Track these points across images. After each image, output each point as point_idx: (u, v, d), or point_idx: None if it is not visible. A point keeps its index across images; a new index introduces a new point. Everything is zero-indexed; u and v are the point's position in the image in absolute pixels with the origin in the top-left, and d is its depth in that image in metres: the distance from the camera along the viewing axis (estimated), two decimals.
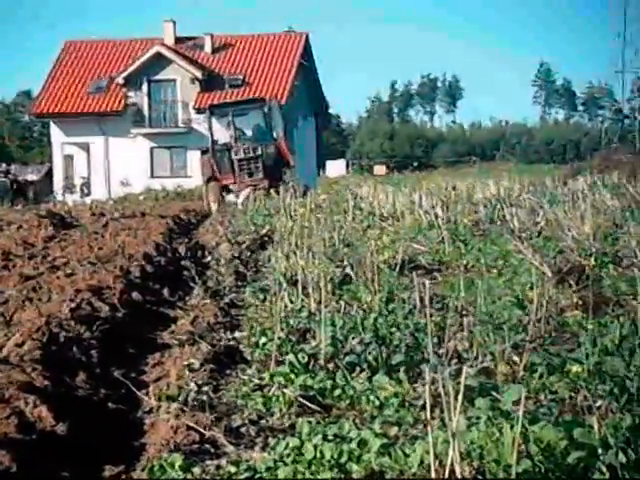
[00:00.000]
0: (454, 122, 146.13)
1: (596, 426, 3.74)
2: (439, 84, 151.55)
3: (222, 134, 26.75)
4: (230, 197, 25.59)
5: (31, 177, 50.63)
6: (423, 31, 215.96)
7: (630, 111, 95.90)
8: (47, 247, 12.23)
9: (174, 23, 51.18)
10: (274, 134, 26.63)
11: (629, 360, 4.64)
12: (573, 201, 13.51)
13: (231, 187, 25.58)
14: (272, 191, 20.30)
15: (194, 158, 41.11)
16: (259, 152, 25.48)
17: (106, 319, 7.02)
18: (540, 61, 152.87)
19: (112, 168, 47.94)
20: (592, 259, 8.54)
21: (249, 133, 26.57)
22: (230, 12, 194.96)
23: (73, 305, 7.14)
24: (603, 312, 6.53)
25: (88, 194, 46.10)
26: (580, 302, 6.77)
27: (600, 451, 3.63)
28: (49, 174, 50.20)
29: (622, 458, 3.60)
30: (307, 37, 51.41)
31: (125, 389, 5.38)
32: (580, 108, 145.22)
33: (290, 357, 5.55)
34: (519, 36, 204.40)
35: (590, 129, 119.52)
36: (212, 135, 26.43)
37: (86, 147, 48.29)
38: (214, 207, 24.16)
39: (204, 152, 26.75)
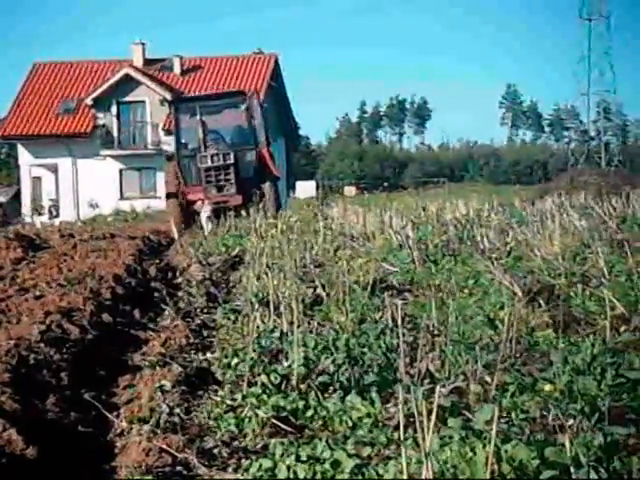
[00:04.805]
0: (423, 143, 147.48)
1: (568, 445, 3.76)
2: (407, 105, 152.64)
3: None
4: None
5: None
6: (392, 53, 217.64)
7: (595, 132, 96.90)
8: (16, 269, 12.10)
9: (143, 45, 51.28)
10: (257, 138, 21.16)
11: (600, 379, 4.67)
12: (542, 221, 13.60)
13: (197, 205, 20.23)
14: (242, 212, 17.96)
15: (163, 180, 41.12)
16: (231, 160, 20.12)
17: (76, 341, 6.96)
18: (507, 83, 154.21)
19: (81, 190, 47.81)
20: (561, 279, 8.60)
21: (228, 136, 21.37)
22: (199, 34, 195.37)
23: (43, 327, 7.08)
24: (573, 331, 6.58)
25: (57, 216, 45.87)
26: (550, 321, 6.82)
27: (572, 470, 3.65)
28: (17, 196, 49.94)
29: (594, 476, 3.63)
30: (276, 58, 51.65)
31: (96, 412, 5.33)
32: (547, 129, 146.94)
33: (262, 378, 5.54)
34: (487, 58, 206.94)
35: (557, 150, 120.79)
36: (178, 136, 21.31)
37: (54, 169, 48.13)
38: (175, 233, 17.18)
39: (169, 158, 21.80)
